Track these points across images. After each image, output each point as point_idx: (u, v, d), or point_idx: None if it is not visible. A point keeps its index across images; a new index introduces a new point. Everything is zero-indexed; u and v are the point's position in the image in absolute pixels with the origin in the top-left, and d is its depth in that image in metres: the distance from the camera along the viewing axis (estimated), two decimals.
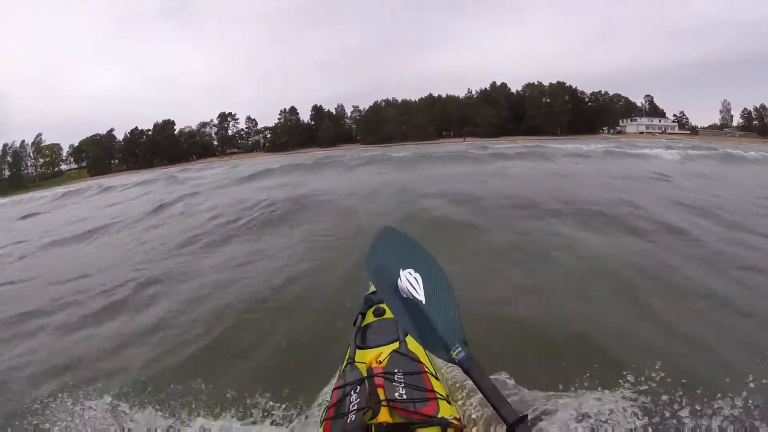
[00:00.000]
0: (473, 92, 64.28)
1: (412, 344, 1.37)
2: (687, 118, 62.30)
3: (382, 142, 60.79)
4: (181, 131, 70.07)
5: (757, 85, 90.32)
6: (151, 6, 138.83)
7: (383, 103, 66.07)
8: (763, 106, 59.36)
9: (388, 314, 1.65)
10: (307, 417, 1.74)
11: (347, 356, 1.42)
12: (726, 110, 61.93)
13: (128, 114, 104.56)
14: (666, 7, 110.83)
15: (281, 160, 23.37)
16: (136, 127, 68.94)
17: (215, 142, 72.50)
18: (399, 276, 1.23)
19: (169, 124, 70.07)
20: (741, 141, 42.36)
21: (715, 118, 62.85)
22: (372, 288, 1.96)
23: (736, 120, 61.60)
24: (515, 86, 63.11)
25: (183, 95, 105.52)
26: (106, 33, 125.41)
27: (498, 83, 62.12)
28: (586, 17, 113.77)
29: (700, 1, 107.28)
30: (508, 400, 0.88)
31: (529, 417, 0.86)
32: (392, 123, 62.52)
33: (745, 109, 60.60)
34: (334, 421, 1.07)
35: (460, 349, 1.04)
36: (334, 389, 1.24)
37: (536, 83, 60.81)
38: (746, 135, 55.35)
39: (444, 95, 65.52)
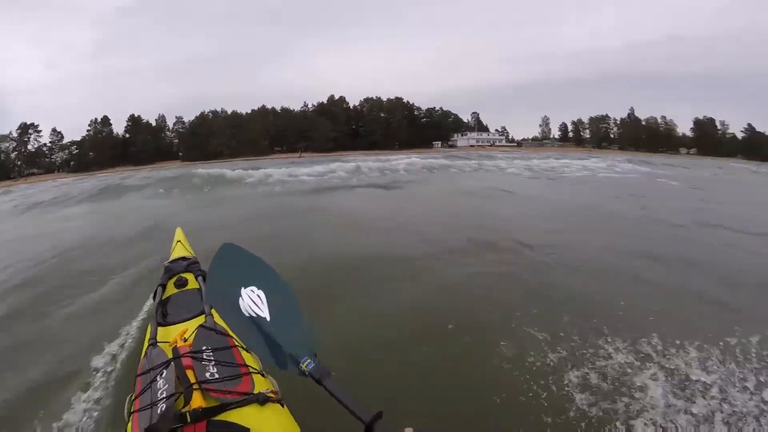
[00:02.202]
0: (309, 106, 60.57)
1: (218, 316, 1.29)
2: (508, 132, 67.30)
3: (208, 157, 53.48)
4: None
5: (569, 104, 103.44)
6: None
7: (211, 115, 58.68)
8: (580, 120, 66.63)
9: (192, 284, 1.56)
10: (109, 412, 1.48)
11: (148, 336, 1.29)
12: (545, 124, 68.01)
13: None
14: (494, 38, 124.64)
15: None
16: None
17: (19, 161, 57.59)
18: (240, 295, 1.17)
19: None
20: (566, 151, 46.07)
21: (533, 132, 69.08)
22: (173, 255, 1.93)
23: (555, 133, 67.93)
24: (352, 102, 61.04)
25: None
26: None
27: (336, 97, 59.47)
28: (416, 43, 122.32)
29: (527, 33, 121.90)
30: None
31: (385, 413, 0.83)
32: (221, 136, 55.38)
33: (563, 123, 67.11)
34: (142, 412, 0.95)
35: (309, 360, 1.00)
36: (137, 376, 1.12)
37: (374, 98, 59.57)
38: (564, 145, 61.27)
39: (279, 108, 60.62)
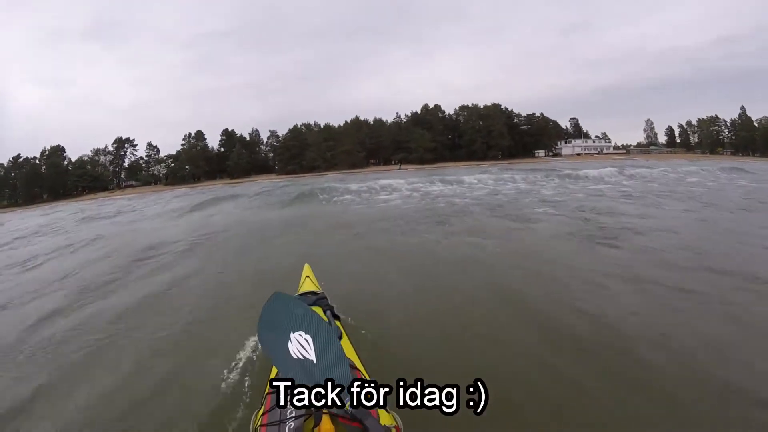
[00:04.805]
0: (402, 117, 58.14)
1: (347, 350, 1.39)
2: (609, 139, 62.35)
3: (304, 171, 52.52)
4: (72, 161, 56.67)
5: (668, 107, 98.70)
6: (79, 23, 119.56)
7: (304, 128, 57.72)
8: (689, 123, 60.95)
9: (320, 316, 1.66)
10: (235, 422, 1.63)
11: None
12: (650, 129, 62.68)
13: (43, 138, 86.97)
14: (577, 40, 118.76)
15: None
16: (19, 155, 55.12)
17: (122, 174, 59.45)
18: (290, 339, 1.24)
19: (58, 151, 56.40)
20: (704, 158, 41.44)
21: (633, 137, 64.29)
22: (302, 288, 2.16)
23: (661, 138, 62.62)
24: (447, 110, 58.03)
25: (95, 120, 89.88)
26: (30, 48, 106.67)
27: (430, 106, 56.83)
28: (504, 49, 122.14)
29: (609, 34, 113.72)
30: None
31: None
32: (315, 149, 54.35)
33: (669, 126, 61.70)
34: (269, 428, 1.05)
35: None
36: (267, 394, 1.21)
37: (471, 105, 56.47)
38: (672, 151, 56.06)
39: (371, 119, 58.53)
